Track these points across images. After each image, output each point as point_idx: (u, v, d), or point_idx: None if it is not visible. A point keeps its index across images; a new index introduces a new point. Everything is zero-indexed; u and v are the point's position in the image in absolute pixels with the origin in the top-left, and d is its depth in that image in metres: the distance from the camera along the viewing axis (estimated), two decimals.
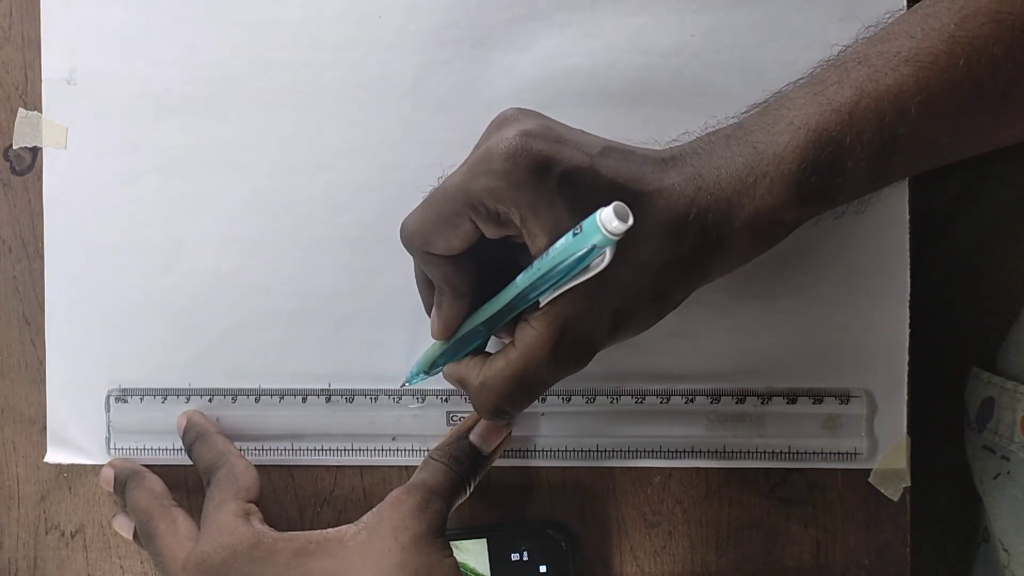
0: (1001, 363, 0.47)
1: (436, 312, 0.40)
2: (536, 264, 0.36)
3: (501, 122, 0.37)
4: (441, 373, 0.42)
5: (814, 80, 0.38)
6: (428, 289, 0.41)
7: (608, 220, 0.33)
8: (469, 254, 0.39)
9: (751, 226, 0.37)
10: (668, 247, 0.36)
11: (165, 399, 0.47)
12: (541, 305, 0.37)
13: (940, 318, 0.51)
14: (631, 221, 0.33)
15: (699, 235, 0.37)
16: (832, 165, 0.36)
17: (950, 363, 0.50)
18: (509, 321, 0.39)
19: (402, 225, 0.39)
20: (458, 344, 0.41)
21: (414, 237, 0.38)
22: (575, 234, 0.34)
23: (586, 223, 0.33)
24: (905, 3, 0.44)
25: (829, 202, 0.38)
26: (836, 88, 0.37)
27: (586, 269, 0.35)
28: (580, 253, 0.34)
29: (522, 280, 0.37)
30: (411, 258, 0.46)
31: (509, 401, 0.38)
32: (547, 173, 0.35)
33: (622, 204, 0.33)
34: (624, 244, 0.34)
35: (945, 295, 0.53)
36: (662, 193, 0.36)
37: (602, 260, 0.34)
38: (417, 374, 0.43)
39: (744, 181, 0.37)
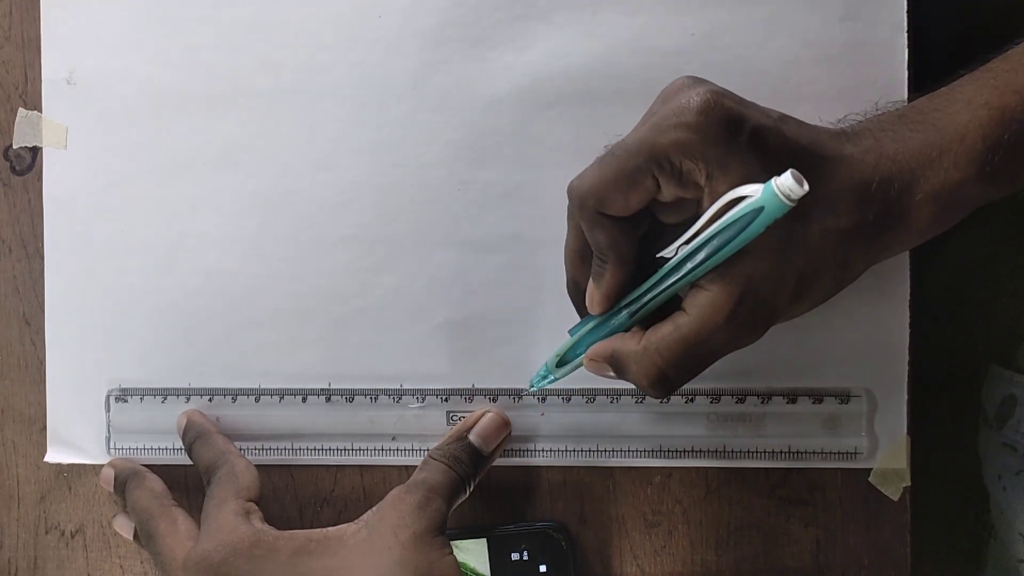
0: (1021, 361, 0.47)
1: (596, 283, 0.39)
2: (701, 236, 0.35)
3: (679, 87, 0.37)
4: (584, 362, 0.40)
5: (983, 69, 0.38)
6: (579, 261, 0.40)
7: (784, 183, 0.32)
8: (636, 223, 0.38)
9: (935, 200, 0.37)
10: (852, 213, 0.36)
11: (165, 399, 0.47)
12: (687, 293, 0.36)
13: (948, 316, 0.51)
14: (807, 187, 0.32)
15: (882, 204, 0.36)
16: (1017, 145, 0.36)
17: (958, 361, 0.50)
18: (654, 310, 0.38)
19: (575, 184, 0.37)
20: (599, 330, 0.39)
21: (588, 196, 0.37)
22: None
23: (763, 188, 0.33)
24: (905, 4, 0.44)
25: (1011, 183, 0.37)
26: (1010, 74, 0.36)
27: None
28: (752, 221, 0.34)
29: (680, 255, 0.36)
30: (410, 258, 0.46)
31: (676, 367, 0.36)
32: (739, 129, 0.35)
33: (796, 171, 0.33)
34: (810, 207, 0.34)
35: (954, 293, 0.53)
36: (844, 160, 0.36)
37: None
38: (546, 375, 0.42)
39: (927, 155, 0.36)
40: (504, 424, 0.44)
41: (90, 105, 0.47)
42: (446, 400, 0.46)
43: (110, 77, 0.46)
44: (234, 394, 0.46)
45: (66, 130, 0.47)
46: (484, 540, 0.45)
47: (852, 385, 0.45)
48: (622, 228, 0.38)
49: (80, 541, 0.48)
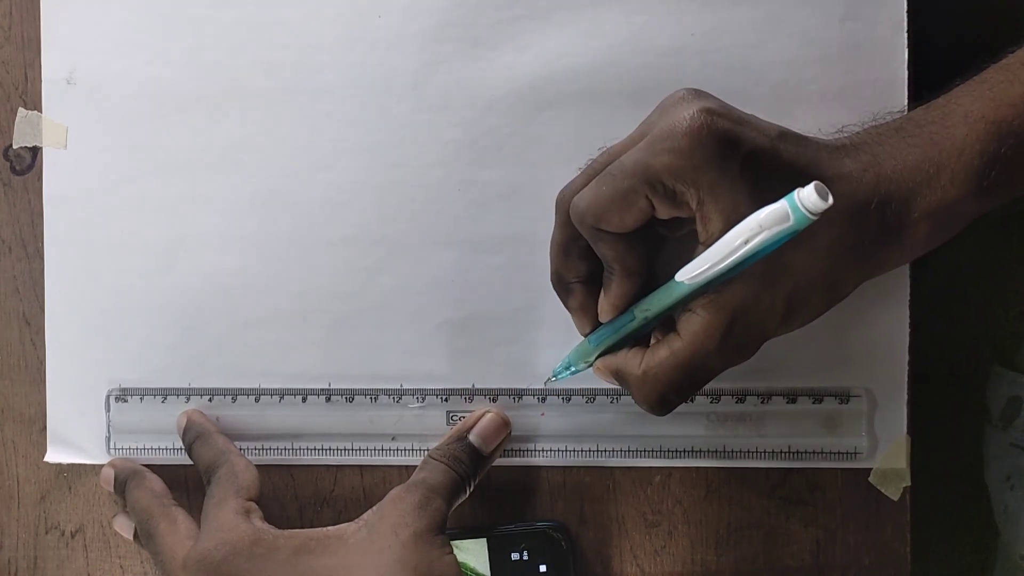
0: (1022, 362, 0.47)
1: (604, 292, 0.39)
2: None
3: (676, 101, 0.37)
4: (592, 369, 0.41)
5: (979, 80, 0.38)
6: (563, 255, 0.40)
7: (808, 198, 0.32)
8: (641, 233, 0.38)
9: (932, 218, 0.37)
10: (847, 235, 0.36)
11: (165, 399, 0.47)
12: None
13: (949, 316, 0.51)
14: (831, 200, 0.32)
15: (879, 224, 0.36)
16: (1013, 159, 0.36)
17: (959, 360, 0.50)
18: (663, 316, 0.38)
19: (574, 201, 0.38)
20: (618, 333, 0.40)
21: (586, 214, 0.37)
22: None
23: (791, 212, 0.33)
24: (905, 4, 0.44)
25: (1007, 196, 0.37)
26: (1006, 85, 0.36)
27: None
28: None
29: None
30: (410, 258, 0.46)
31: (675, 391, 0.37)
32: (731, 153, 0.35)
33: (821, 183, 0.32)
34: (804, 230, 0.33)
35: (955, 293, 0.53)
36: (842, 179, 0.36)
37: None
38: (568, 367, 0.42)
39: (925, 172, 0.36)
40: (504, 424, 0.44)
41: (90, 105, 0.47)
42: (446, 400, 0.46)
43: (110, 77, 0.46)
44: (234, 394, 0.46)
45: (66, 130, 0.47)
46: (484, 540, 0.45)
47: (852, 385, 0.45)
48: (626, 241, 0.38)
49: (80, 541, 0.48)
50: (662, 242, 0.41)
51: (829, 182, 0.35)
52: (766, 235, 0.33)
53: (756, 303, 0.36)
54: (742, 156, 0.35)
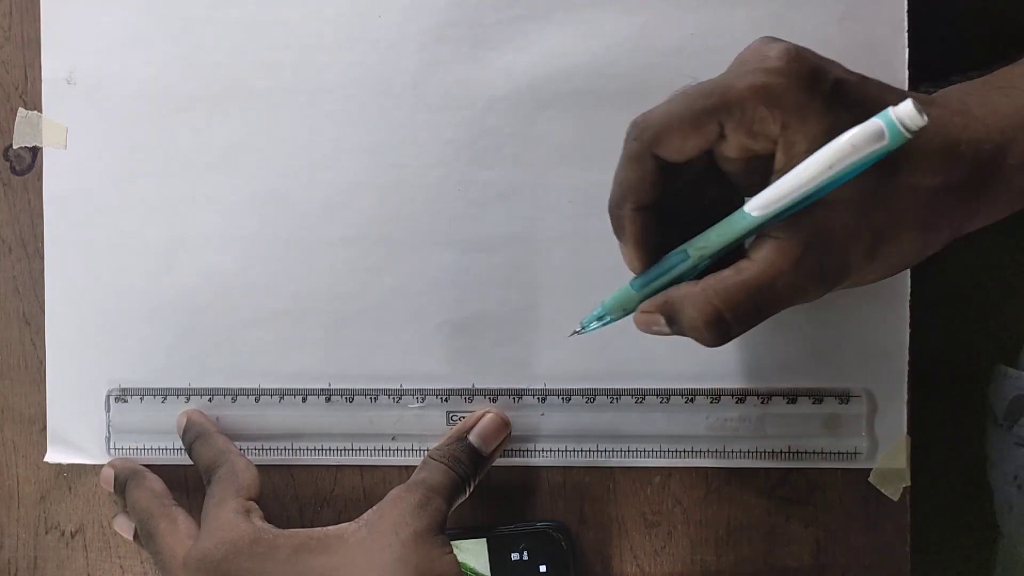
0: None
1: (621, 240, 0.37)
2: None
3: (761, 41, 0.35)
4: (635, 317, 0.37)
5: None
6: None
7: (905, 112, 0.30)
8: (672, 176, 0.36)
9: None
10: (940, 172, 0.35)
11: (165, 399, 0.47)
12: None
13: (950, 315, 0.51)
14: (926, 117, 0.31)
15: (972, 166, 0.35)
16: None
17: (960, 360, 0.50)
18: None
19: (643, 114, 0.36)
20: (667, 275, 0.36)
21: (648, 128, 0.35)
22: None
23: (886, 127, 0.31)
24: (905, 4, 0.44)
25: None
26: None
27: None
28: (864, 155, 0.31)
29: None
30: (410, 258, 0.46)
31: (733, 310, 0.34)
32: (822, 79, 0.34)
33: (916, 98, 0.30)
34: (895, 162, 0.32)
35: (956, 293, 0.53)
36: (931, 119, 0.34)
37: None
38: (602, 316, 0.39)
39: (1020, 118, 0.35)
40: (504, 425, 0.44)
41: (90, 105, 0.47)
42: (446, 400, 0.46)
43: (110, 77, 0.46)
44: (234, 394, 0.46)
45: (66, 130, 0.47)
46: (484, 540, 0.45)
47: (852, 385, 0.45)
48: (658, 174, 0.36)
49: (80, 541, 0.48)
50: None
51: None
52: (856, 157, 0.32)
53: (841, 225, 0.34)
54: (832, 82, 0.34)
